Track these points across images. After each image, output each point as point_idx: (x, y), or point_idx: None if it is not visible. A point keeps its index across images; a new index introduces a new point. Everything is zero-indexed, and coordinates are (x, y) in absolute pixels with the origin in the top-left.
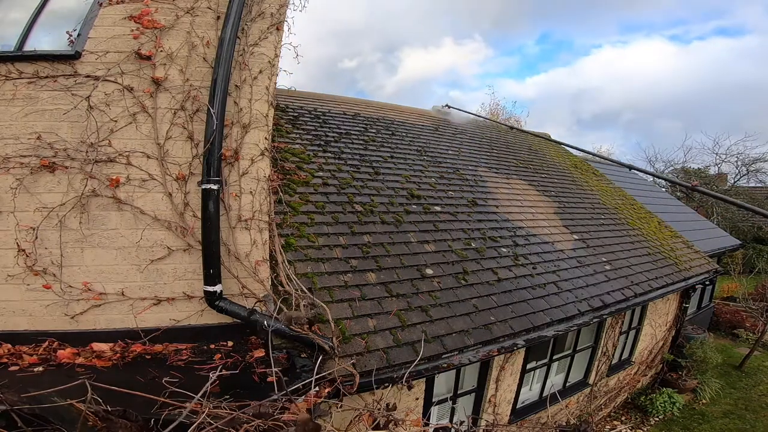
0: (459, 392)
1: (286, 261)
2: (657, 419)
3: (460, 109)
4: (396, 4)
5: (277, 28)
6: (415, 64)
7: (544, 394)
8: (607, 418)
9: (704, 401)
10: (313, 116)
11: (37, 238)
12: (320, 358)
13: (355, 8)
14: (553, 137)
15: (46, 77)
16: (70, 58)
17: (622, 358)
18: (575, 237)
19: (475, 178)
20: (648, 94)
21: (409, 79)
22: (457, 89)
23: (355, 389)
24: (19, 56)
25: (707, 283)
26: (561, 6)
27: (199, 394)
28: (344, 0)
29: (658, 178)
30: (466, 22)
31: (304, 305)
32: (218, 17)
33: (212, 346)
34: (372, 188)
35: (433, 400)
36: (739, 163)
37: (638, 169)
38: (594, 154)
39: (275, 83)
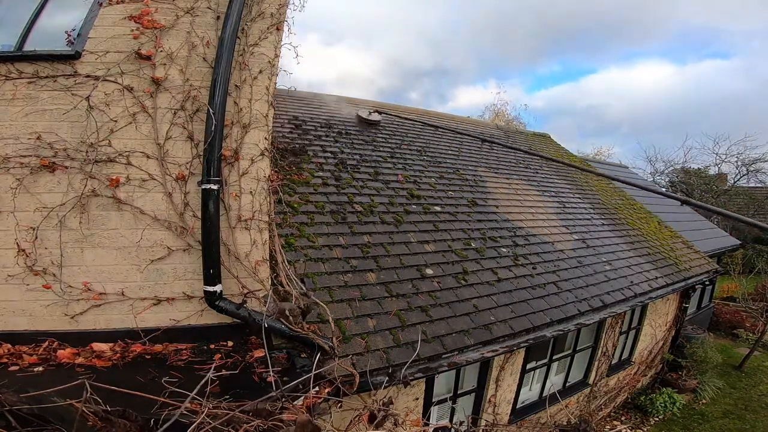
0: (459, 392)
1: (286, 261)
2: (657, 419)
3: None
4: (454, 51)
5: (277, 28)
6: (465, 98)
7: (544, 394)
8: (607, 418)
9: (704, 401)
10: (313, 116)
11: (37, 238)
12: (320, 357)
13: (426, 58)
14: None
15: (46, 77)
16: (70, 58)
17: (622, 358)
18: (575, 237)
19: (475, 178)
20: (647, 106)
21: (456, 109)
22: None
23: (354, 389)
24: (19, 56)
25: (707, 283)
26: (572, 45)
27: (194, 392)
28: (418, 47)
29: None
30: (502, 57)
31: (296, 296)
32: (218, 17)
33: (212, 346)
34: (372, 188)
35: (433, 400)
36: (739, 163)
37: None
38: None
39: (275, 83)
